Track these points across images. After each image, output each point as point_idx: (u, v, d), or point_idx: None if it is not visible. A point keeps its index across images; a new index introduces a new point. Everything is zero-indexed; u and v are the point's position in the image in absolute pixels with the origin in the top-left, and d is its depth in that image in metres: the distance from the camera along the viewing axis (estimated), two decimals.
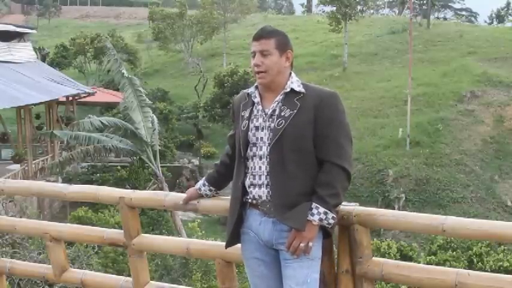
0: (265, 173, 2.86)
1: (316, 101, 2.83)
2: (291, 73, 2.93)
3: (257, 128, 2.90)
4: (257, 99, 2.94)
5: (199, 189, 3.28)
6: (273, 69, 2.87)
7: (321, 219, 2.76)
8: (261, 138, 2.88)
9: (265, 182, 2.86)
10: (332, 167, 2.79)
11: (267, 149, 2.85)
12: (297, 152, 2.80)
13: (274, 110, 2.87)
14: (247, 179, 2.92)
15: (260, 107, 2.92)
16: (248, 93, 2.99)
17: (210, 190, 3.26)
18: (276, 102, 2.88)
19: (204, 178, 3.32)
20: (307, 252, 2.78)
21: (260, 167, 2.88)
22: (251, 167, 2.91)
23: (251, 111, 2.94)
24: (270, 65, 2.86)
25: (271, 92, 2.92)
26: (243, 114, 2.97)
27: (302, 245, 2.76)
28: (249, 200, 2.93)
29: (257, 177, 2.89)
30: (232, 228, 2.98)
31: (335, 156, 2.80)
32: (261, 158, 2.87)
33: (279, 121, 2.82)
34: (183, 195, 3.35)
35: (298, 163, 2.80)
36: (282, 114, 2.83)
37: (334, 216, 2.79)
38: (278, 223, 2.84)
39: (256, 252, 2.97)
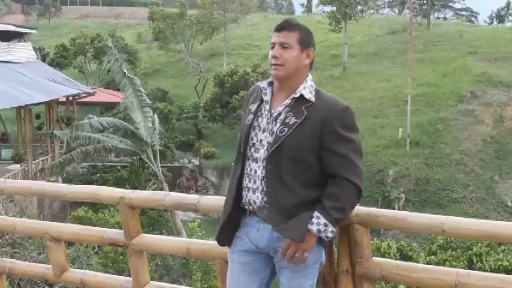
0: (260, 178, 2.73)
1: (325, 114, 2.66)
2: (307, 75, 2.77)
3: (260, 128, 2.76)
4: (267, 98, 2.79)
5: None
6: (290, 64, 2.69)
7: (319, 231, 2.64)
8: (261, 140, 2.74)
9: (260, 188, 2.73)
10: (343, 182, 2.66)
11: (264, 153, 2.72)
12: (295, 163, 2.66)
13: (279, 114, 2.72)
14: (244, 181, 2.80)
15: (267, 107, 2.77)
16: (260, 88, 2.83)
17: None
18: (284, 106, 2.72)
19: None
20: (302, 262, 2.68)
21: (256, 171, 2.75)
22: (247, 168, 2.79)
23: (258, 108, 2.80)
24: (289, 59, 2.69)
25: (283, 91, 2.76)
26: (250, 107, 2.83)
27: (297, 254, 2.66)
28: (246, 206, 2.82)
29: (252, 180, 2.76)
30: (221, 227, 2.93)
31: (348, 171, 2.66)
32: (257, 161, 2.75)
33: (282, 128, 2.67)
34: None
35: (295, 174, 2.67)
36: (287, 121, 2.67)
37: (334, 230, 2.66)
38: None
39: (243, 258, 2.86)
